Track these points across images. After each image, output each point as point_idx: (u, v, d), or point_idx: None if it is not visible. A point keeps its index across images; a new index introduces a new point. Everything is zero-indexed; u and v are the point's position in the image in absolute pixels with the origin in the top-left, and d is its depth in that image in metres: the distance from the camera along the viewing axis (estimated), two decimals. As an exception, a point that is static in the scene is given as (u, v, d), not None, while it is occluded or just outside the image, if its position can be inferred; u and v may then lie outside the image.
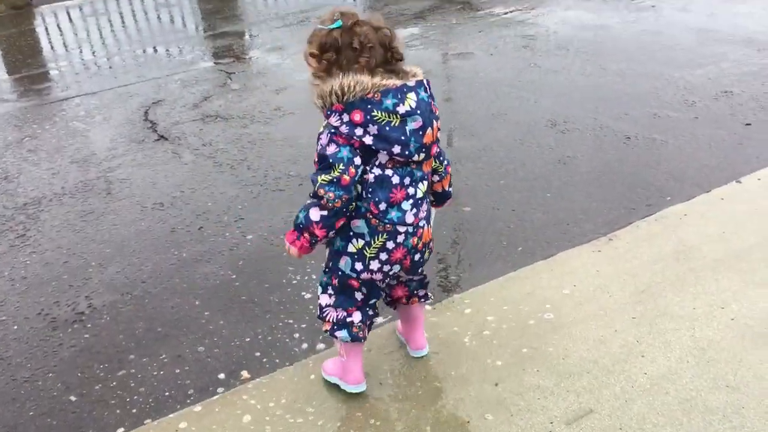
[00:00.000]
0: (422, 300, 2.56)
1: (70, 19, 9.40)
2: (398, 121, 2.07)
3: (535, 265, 3.19)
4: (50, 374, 2.82)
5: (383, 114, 2.05)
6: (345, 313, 2.37)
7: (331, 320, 2.39)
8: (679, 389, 2.42)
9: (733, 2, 7.17)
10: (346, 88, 2.03)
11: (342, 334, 2.38)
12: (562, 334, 2.74)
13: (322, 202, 2.11)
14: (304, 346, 2.85)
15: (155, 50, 7.73)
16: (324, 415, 2.44)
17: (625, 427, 2.30)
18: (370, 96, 2.03)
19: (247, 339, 2.92)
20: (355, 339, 2.38)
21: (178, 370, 2.78)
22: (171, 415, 2.53)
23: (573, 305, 2.89)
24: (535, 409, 2.40)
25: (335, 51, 2.07)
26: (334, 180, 2.08)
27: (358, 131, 2.05)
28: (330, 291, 2.37)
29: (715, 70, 5.30)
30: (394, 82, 2.08)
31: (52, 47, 8.20)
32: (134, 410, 2.59)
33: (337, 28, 2.06)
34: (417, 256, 2.29)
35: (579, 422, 2.33)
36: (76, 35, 8.63)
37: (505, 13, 7.59)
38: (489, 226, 3.54)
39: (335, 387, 2.54)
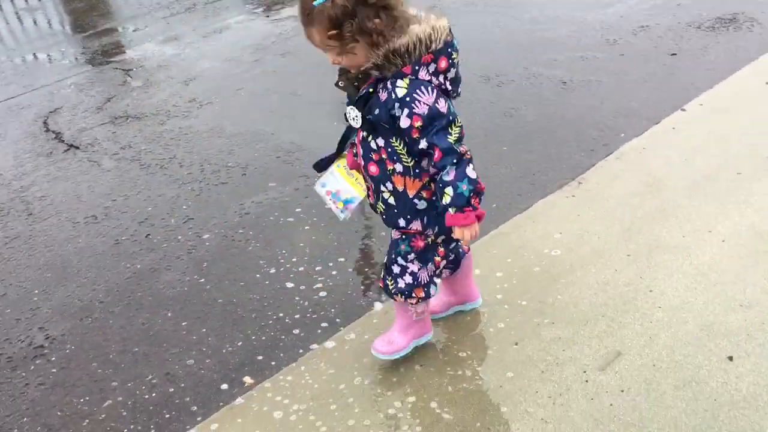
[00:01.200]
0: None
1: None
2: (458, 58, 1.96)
3: (516, 218, 3.13)
4: (25, 419, 2.51)
5: (456, 54, 1.93)
6: (434, 268, 2.25)
7: (423, 283, 2.24)
8: (697, 317, 2.43)
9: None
10: (430, 35, 1.85)
11: (433, 290, 2.29)
12: (564, 282, 2.69)
13: (467, 156, 1.95)
14: (305, 338, 2.67)
15: (35, 57, 7.11)
16: (362, 406, 2.28)
17: (657, 363, 2.27)
18: (449, 38, 1.89)
19: (239, 343, 2.71)
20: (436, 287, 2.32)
21: (172, 389, 2.53)
22: (181, 439, 2.30)
23: (565, 252, 2.85)
24: (563, 361, 2.34)
25: (350, 16, 1.84)
26: (462, 134, 1.94)
27: (441, 78, 1.90)
28: (411, 256, 2.20)
29: (623, 8, 5.40)
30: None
31: None
32: (135, 441, 2.34)
33: None
34: None
35: (612, 366, 2.29)
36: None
37: (401, -23, 7.47)
38: (455, 188, 3.45)
39: (355, 373, 2.39)
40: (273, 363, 2.58)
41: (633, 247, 2.81)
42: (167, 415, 2.42)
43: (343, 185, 2.25)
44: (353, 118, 2.03)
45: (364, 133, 2.05)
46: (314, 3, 1.83)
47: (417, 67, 1.87)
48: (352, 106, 2.01)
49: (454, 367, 2.37)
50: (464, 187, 1.92)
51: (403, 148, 1.98)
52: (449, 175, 1.92)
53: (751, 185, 3.04)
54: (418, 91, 1.87)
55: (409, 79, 1.87)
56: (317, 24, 1.86)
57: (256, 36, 6.43)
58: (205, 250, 3.33)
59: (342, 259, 3.11)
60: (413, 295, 2.24)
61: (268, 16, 7.02)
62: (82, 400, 2.55)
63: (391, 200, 2.10)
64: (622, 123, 3.78)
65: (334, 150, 2.27)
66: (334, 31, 1.84)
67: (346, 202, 2.26)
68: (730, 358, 2.24)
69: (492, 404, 2.21)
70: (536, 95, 4.28)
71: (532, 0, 5.98)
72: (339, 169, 2.27)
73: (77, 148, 4.73)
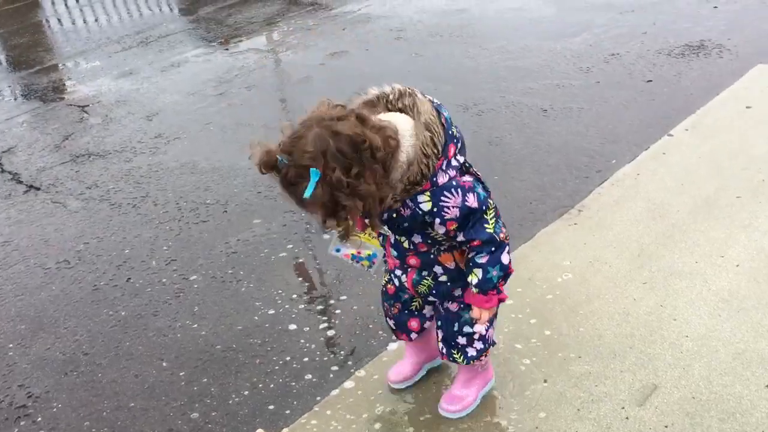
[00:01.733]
0: None
1: None
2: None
3: (521, 248, 3.05)
4: (14, 490, 2.27)
5: (452, 123, 1.83)
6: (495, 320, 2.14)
7: (492, 341, 2.17)
8: (727, 344, 2.38)
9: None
10: (431, 138, 1.73)
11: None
12: (583, 313, 2.61)
13: (506, 241, 1.89)
14: (317, 383, 2.50)
15: (-22, 95, 6.77)
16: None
17: (696, 395, 2.20)
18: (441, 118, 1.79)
19: (245, 392, 2.53)
20: None
21: (179, 448, 2.34)
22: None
23: (579, 282, 2.78)
24: (598, 397, 2.25)
25: (340, 189, 1.66)
26: (498, 214, 1.88)
27: (455, 162, 1.80)
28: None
29: (590, 37, 5.47)
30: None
31: None
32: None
33: (318, 178, 1.64)
34: None
35: (650, 401, 2.21)
36: None
37: (359, 10, 7.44)
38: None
39: (379, 413, 2.24)
40: (287, 412, 2.41)
41: (647, 275, 2.76)
42: (178, 477, 2.22)
43: (359, 244, 2.14)
44: (383, 231, 1.94)
45: (395, 237, 1.97)
46: (305, 195, 1.65)
47: (434, 178, 1.75)
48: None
49: (485, 410, 2.25)
50: (494, 273, 1.87)
51: (442, 235, 1.89)
52: (482, 259, 1.86)
53: (754, 208, 3.04)
54: (443, 199, 1.76)
55: (430, 191, 1.76)
56: (310, 209, 1.73)
57: (217, 69, 6.26)
58: (194, 293, 3.14)
59: (344, 297, 2.97)
60: (485, 355, 2.15)
61: (227, 50, 6.86)
62: (78, 465, 2.32)
63: (443, 278, 2.00)
64: (610, 149, 3.77)
65: None
66: (334, 216, 1.71)
67: (370, 258, 2.17)
68: (770, 386, 2.19)
69: (532, 447, 2.10)
70: (518, 123, 4.25)
71: (496, 31, 6.01)
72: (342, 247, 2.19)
73: (38, 188, 4.47)
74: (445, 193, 1.75)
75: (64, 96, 6.23)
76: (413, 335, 2.21)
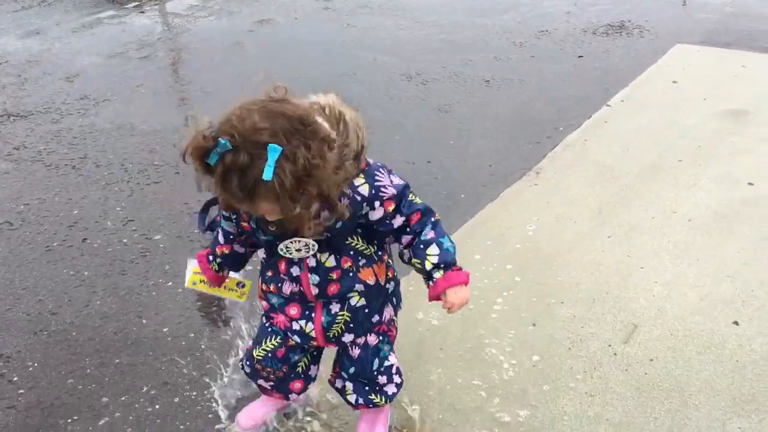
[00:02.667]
0: None
1: None
2: None
3: (488, 207, 3.17)
4: (3, 450, 2.15)
5: None
6: None
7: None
8: (693, 288, 2.60)
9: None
10: (361, 141, 1.60)
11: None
12: (557, 264, 2.76)
13: (436, 215, 1.75)
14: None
15: None
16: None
17: (673, 332, 2.40)
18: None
19: (240, 343, 2.51)
20: None
21: (177, 398, 2.29)
22: None
23: (549, 237, 2.93)
24: (586, 337, 2.41)
25: (304, 180, 1.43)
26: None
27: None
28: (390, 350, 1.92)
29: (517, 15, 5.68)
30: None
31: None
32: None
33: (279, 153, 1.38)
34: None
35: (633, 338, 2.39)
36: None
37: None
38: (417, 183, 3.43)
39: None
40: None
41: (610, 230, 2.95)
42: (183, 421, 2.18)
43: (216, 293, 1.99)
44: (302, 249, 1.64)
45: (317, 258, 1.68)
46: (264, 176, 1.37)
47: (364, 157, 1.63)
48: (294, 239, 1.62)
49: (480, 358, 2.35)
50: (448, 244, 1.70)
51: (362, 241, 1.71)
52: (429, 234, 1.69)
53: (695, 171, 3.31)
54: (377, 178, 1.62)
55: (363, 173, 1.61)
56: (270, 198, 1.42)
57: (137, 32, 6.01)
58: (161, 253, 3.05)
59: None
60: (401, 387, 1.97)
61: (143, 12, 6.59)
62: (70, 421, 2.24)
63: (361, 302, 1.76)
64: (556, 117, 3.97)
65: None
66: (296, 204, 1.44)
67: (239, 285, 2.00)
68: (736, 323, 2.42)
69: (532, 382, 2.22)
70: (464, 92, 4.38)
71: (425, 4, 6.11)
72: (198, 286, 1.98)
73: (-44, 149, 4.15)
74: (376, 173, 1.62)
75: (-35, 55, 5.77)
76: (292, 396, 1.99)
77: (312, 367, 1.97)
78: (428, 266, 1.69)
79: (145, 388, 2.34)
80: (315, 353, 1.96)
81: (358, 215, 1.62)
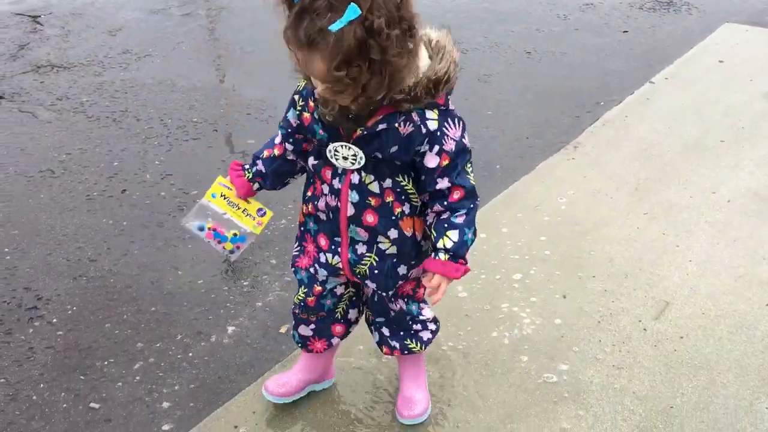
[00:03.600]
0: None
1: None
2: None
3: (523, 179, 3.16)
4: (41, 384, 2.22)
5: None
6: None
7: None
8: (728, 269, 2.58)
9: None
10: (455, 66, 1.59)
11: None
12: (592, 238, 2.76)
13: (478, 201, 1.70)
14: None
15: None
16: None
17: (705, 311, 2.39)
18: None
19: (270, 298, 2.55)
20: None
21: (209, 349, 2.34)
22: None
23: (585, 211, 2.92)
24: (617, 311, 2.41)
25: (364, 51, 1.39)
26: None
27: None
28: (422, 305, 1.93)
29: (562, -14, 5.59)
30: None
31: None
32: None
33: (356, 17, 1.36)
34: None
35: (664, 315, 2.38)
36: None
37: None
38: (451, 149, 3.44)
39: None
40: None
41: (647, 207, 2.93)
42: (214, 371, 2.24)
43: (225, 219, 1.86)
44: (349, 158, 1.62)
45: (361, 176, 1.65)
46: (331, 26, 1.36)
47: (449, 95, 1.60)
48: (345, 144, 1.60)
49: (511, 322, 2.37)
50: (470, 236, 1.67)
51: (412, 185, 1.67)
52: (460, 218, 1.65)
53: (737, 152, 3.26)
54: (446, 124, 1.58)
55: (439, 110, 1.58)
56: (325, 52, 1.39)
57: (179, -11, 6.02)
58: (198, 207, 3.09)
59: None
60: (436, 334, 1.99)
61: (185, -30, 6.59)
62: (106, 363, 2.30)
63: (391, 250, 1.72)
64: (597, 92, 3.92)
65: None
66: (342, 72, 1.40)
67: (235, 240, 1.86)
68: (770, 306, 2.40)
69: (558, 351, 2.23)
70: (504, 63, 4.34)
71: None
72: (216, 200, 1.86)
73: (1, 97, 4.23)
74: (449, 119, 1.59)
75: (7, 6, 5.84)
76: (334, 340, 1.95)
77: (351, 311, 1.93)
78: (439, 245, 1.66)
79: (179, 336, 2.40)
80: (354, 297, 1.91)
81: (415, 148, 1.59)
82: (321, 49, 1.39)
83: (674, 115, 3.60)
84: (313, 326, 1.93)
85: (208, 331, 2.42)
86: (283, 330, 2.41)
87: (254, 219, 1.86)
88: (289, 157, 1.81)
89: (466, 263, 1.68)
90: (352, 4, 1.35)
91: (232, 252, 1.88)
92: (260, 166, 1.83)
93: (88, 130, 3.79)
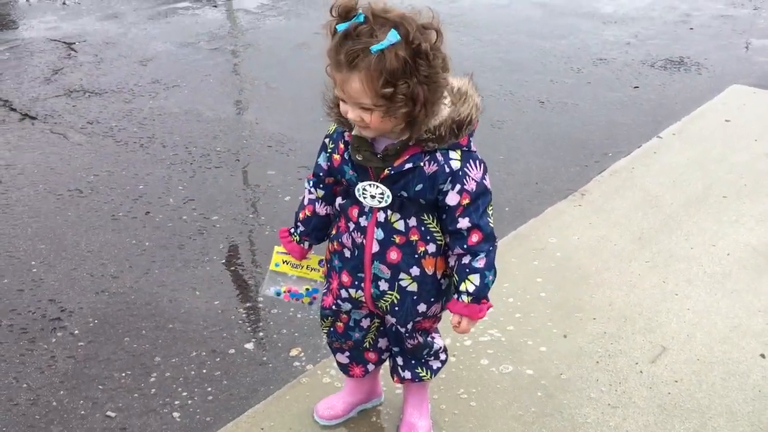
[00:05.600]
0: None
1: None
2: None
3: (531, 222, 3.28)
4: (62, 392, 2.33)
5: None
6: None
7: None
8: (725, 319, 2.67)
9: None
10: (477, 109, 1.66)
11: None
12: (593, 282, 2.86)
13: (497, 243, 1.78)
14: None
15: (-48, 18, 6.54)
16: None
17: (701, 357, 2.48)
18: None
19: (284, 320, 2.66)
20: None
21: (221, 367, 2.45)
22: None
23: (589, 256, 3.03)
24: (615, 353, 2.50)
25: (409, 74, 1.50)
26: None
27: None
28: (434, 336, 2.02)
29: (577, 41, 5.78)
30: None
31: None
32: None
33: (398, 42, 1.47)
34: None
35: (660, 359, 2.47)
36: None
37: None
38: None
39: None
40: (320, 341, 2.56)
41: (649, 255, 3.04)
42: (226, 387, 2.34)
43: (295, 280, 1.99)
44: (377, 196, 1.70)
45: (387, 214, 1.72)
46: (372, 47, 1.47)
47: (471, 138, 1.68)
48: (373, 182, 1.68)
49: (512, 356, 2.47)
50: (491, 278, 1.75)
51: (437, 225, 1.74)
52: (480, 262, 1.72)
53: (739, 207, 3.38)
54: (468, 165, 1.66)
55: (462, 150, 1.66)
56: (364, 72, 1.49)
57: (208, 24, 6.27)
58: (217, 232, 3.24)
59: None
60: (445, 364, 2.11)
61: (215, 6, 6.86)
62: (123, 375, 2.41)
63: (412, 287, 1.79)
64: (605, 143, 4.06)
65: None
66: (389, 89, 1.50)
67: (309, 293, 2.00)
68: (763, 356, 2.49)
69: (557, 390, 2.33)
70: (517, 111, 4.49)
71: (487, 24, 6.23)
72: (281, 267, 1.98)
73: (34, 118, 4.43)
74: (471, 160, 1.66)
75: (45, 32, 6.09)
76: (370, 366, 2.05)
77: (380, 340, 2.00)
78: (462, 288, 1.74)
79: (194, 353, 2.51)
80: (381, 327, 1.97)
81: (438, 187, 1.66)
82: (361, 69, 1.49)
83: (679, 169, 3.73)
84: (347, 353, 2.03)
85: (222, 349, 2.53)
86: (293, 353, 2.51)
87: (318, 271, 1.98)
88: (321, 213, 1.90)
89: (488, 301, 1.78)
90: (393, 29, 1.46)
91: (311, 303, 2.01)
92: (302, 228, 1.93)
93: (116, 153, 3.96)
